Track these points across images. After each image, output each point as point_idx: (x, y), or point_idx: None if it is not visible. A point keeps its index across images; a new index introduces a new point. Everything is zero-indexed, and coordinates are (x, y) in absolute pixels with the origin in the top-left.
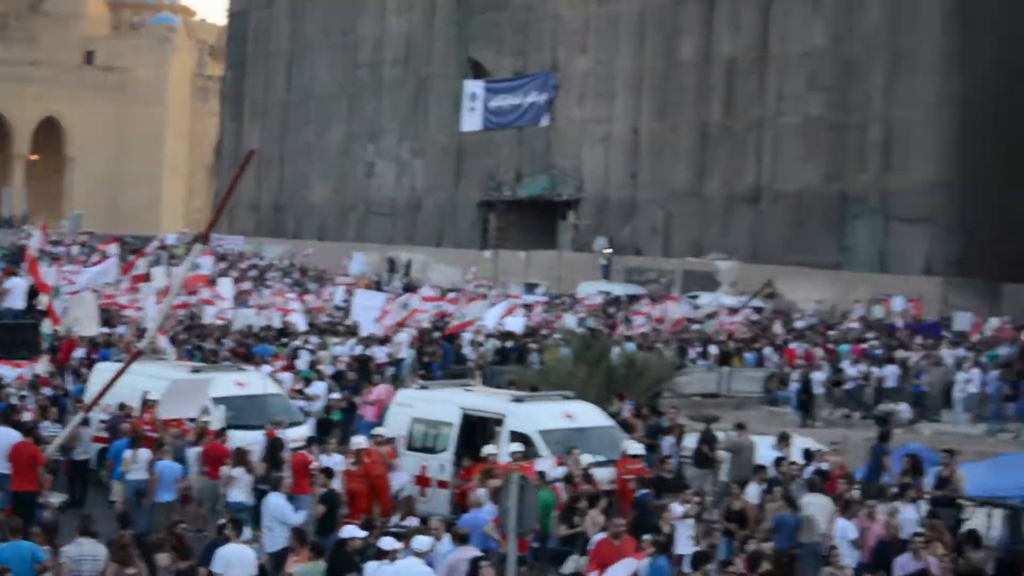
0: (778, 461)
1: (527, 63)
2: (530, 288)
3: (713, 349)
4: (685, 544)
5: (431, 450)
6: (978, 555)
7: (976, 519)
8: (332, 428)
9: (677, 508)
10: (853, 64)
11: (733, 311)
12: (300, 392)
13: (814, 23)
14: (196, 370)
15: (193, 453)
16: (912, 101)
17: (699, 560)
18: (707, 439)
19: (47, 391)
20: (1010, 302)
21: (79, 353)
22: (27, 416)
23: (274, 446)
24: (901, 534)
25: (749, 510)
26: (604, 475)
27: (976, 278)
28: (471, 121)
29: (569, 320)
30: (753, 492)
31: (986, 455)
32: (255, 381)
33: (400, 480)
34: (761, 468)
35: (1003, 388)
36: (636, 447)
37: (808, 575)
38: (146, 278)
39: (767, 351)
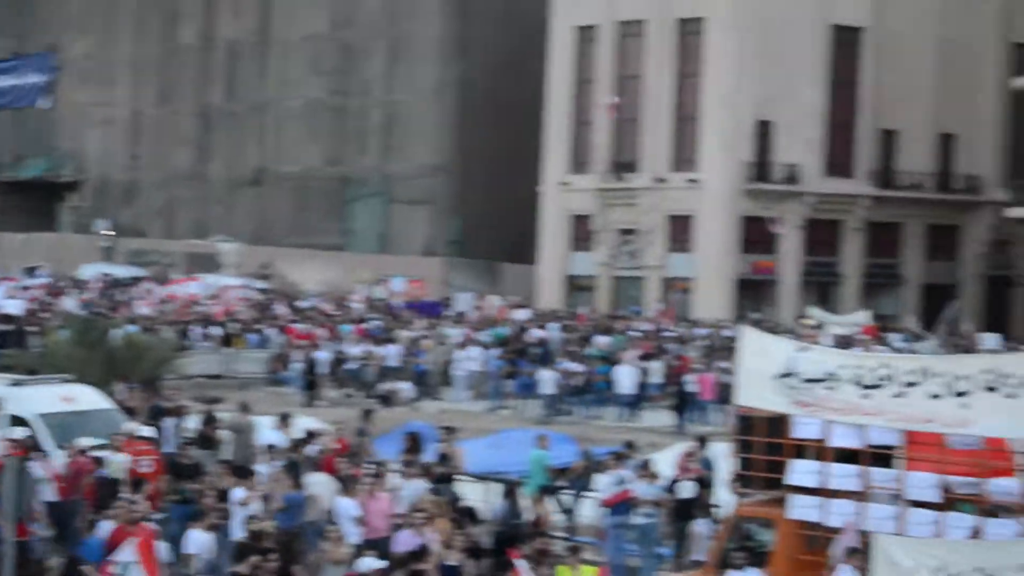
0: (300, 442)
1: (25, 44)
2: (30, 271)
3: (216, 330)
4: (240, 529)
5: None
6: (477, 530)
7: (475, 494)
8: None
9: (239, 492)
10: (354, 49)
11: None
12: None
13: (315, 7)
14: None
15: None
16: (411, 86)
17: (243, 551)
18: (209, 420)
19: None
20: (508, 281)
21: None
22: None
23: None
24: (401, 510)
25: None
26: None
27: (475, 258)
28: None
29: (69, 302)
30: (262, 472)
31: (487, 432)
32: None
33: None
34: (271, 448)
35: (503, 366)
36: (145, 430)
37: (310, 552)
38: None
39: (270, 332)
